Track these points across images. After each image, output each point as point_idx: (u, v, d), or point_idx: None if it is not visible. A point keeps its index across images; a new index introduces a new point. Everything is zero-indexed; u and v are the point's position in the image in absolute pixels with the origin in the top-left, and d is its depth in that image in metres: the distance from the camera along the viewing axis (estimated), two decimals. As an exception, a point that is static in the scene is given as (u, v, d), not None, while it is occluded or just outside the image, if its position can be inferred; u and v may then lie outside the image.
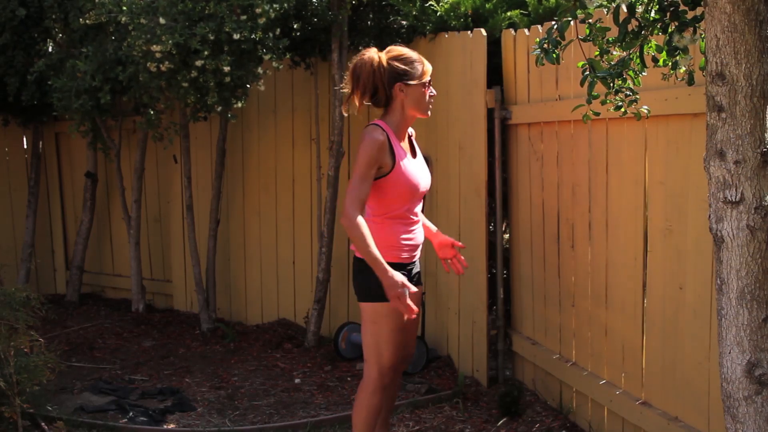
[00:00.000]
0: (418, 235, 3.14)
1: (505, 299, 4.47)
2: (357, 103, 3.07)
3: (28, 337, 3.44)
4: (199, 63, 4.32)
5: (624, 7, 2.13)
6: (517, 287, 4.37)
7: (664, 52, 2.23)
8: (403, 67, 3.04)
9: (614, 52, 2.31)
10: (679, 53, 2.18)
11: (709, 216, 1.94)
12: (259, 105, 5.59)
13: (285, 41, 4.46)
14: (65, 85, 5.00)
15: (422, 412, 4.09)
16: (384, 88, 3.03)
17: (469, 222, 4.40)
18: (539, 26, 3.97)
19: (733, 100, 1.85)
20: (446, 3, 4.64)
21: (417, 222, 3.15)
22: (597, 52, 2.32)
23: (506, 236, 4.57)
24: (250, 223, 5.72)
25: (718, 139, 1.89)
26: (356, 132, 5.18)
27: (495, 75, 4.28)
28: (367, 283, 3.04)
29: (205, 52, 4.28)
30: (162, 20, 4.26)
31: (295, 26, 4.69)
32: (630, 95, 2.37)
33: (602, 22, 2.31)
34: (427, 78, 3.08)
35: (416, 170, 3.10)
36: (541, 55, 2.30)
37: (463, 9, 4.58)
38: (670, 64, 2.23)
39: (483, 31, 4.25)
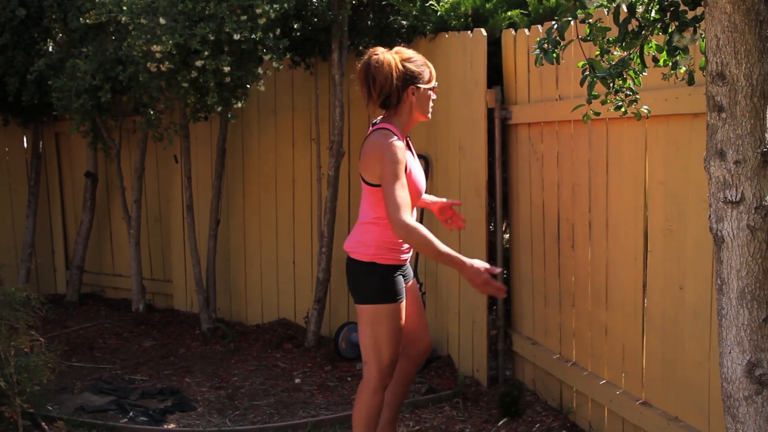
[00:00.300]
0: None
1: (505, 299, 4.47)
2: (371, 105, 3.07)
3: (28, 337, 3.44)
4: (199, 63, 4.32)
5: (624, 7, 2.13)
6: (517, 287, 4.37)
7: (664, 52, 2.23)
8: (416, 70, 3.05)
9: (614, 52, 2.31)
10: (679, 53, 2.18)
11: (710, 216, 1.94)
12: (259, 105, 5.59)
13: (285, 41, 4.46)
14: (65, 85, 5.00)
15: (422, 412, 4.09)
16: (397, 91, 3.01)
17: (469, 222, 4.39)
18: (539, 26, 3.97)
19: (733, 100, 1.85)
20: (446, 3, 4.64)
21: None
22: (597, 52, 2.32)
23: (506, 236, 4.57)
24: (250, 223, 5.72)
25: (719, 139, 1.89)
26: (356, 132, 5.18)
27: (495, 75, 4.28)
28: (369, 285, 3.06)
29: (205, 53, 4.28)
30: (162, 20, 4.26)
31: (295, 26, 4.69)
32: (630, 95, 2.37)
33: (602, 22, 2.31)
34: (434, 82, 3.11)
35: (420, 174, 3.14)
36: (541, 55, 2.30)
37: (463, 9, 4.58)
38: (670, 64, 2.23)
39: (483, 31, 4.25)
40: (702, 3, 1.95)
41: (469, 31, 4.38)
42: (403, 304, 3.12)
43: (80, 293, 6.44)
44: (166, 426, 4.02)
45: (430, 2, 4.69)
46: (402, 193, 2.92)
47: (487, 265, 2.97)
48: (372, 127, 3.13)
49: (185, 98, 4.62)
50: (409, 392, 4.25)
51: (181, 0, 4.30)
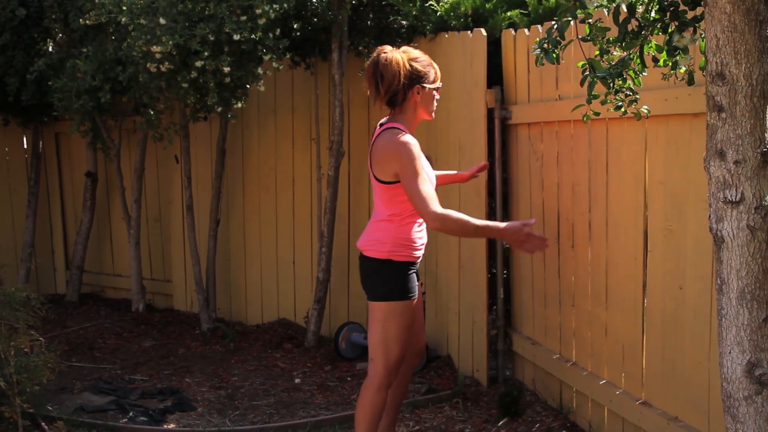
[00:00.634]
0: (425, 233, 3.23)
1: (505, 299, 4.47)
2: (374, 102, 3.13)
3: (28, 336, 3.44)
4: (199, 63, 4.32)
5: (624, 7, 2.13)
6: (517, 287, 4.37)
7: (664, 52, 2.24)
8: (423, 70, 3.10)
9: (614, 52, 2.31)
10: (679, 53, 2.18)
11: (709, 216, 1.94)
12: (259, 105, 5.59)
13: (285, 41, 4.46)
14: (65, 85, 5.00)
15: (422, 412, 4.09)
16: (403, 89, 3.07)
17: (469, 222, 4.39)
18: (539, 26, 3.97)
19: (733, 100, 1.85)
20: (446, 3, 4.64)
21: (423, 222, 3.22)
22: (597, 52, 2.32)
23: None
24: (250, 223, 5.72)
25: (718, 139, 1.89)
26: (356, 132, 5.18)
27: (495, 75, 4.28)
28: (384, 282, 3.10)
29: (205, 53, 4.28)
30: (162, 21, 4.26)
31: (295, 26, 4.69)
32: (630, 95, 2.37)
33: (602, 22, 2.31)
34: (439, 82, 3.16)
35: (430, 169, 3.19)
36: (541, 55, 2.30)
37: (463, 9, 4.58)
38: (670, 64, 2.23)
39: (483, 31, 4.25)
40: (702, 3, 1.95)
41: (469, 31, 4.38)
42: (415, 301, 3.17)
43: (80, 293, 6.44)
44: (165, 426, 4.02)
45: (430, 2, 4.69)
46: (426, 187, 2.99)
47: (521, 221, 3.07)
48: (379, 127, 3.16)
49: (185, 98, 4.62)
50: (409, 392, 4.25)
51: (181, 0, 4.30)
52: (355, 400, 4.25)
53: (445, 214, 2.96)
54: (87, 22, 4.78)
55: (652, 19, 2.18)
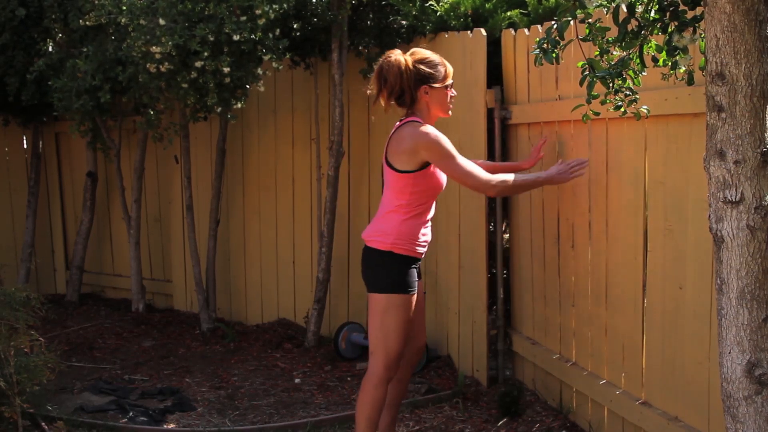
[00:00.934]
0: (430, 233, 3.29)
1: (505, 299, 4.47)
2: (383, 104, 3.21)
3: (28, 336, 3.44)
4: (198, 64, 4.32)
5: (624, 7, 2.13)
6: (517, 287, 4.37)
7: (664, 52, 2.24)
8: (428, 70, 3.17)
9: (614, 52, 2.31)
10: (678, 53, 2.18)
11: (709, 216, 1.94)
12: (259, 105, 5.59)
13: (285, 41, 4.46)
14: (65, 85, 5.00)
15: (422, 412, 4.09)
16: (410, 90, 3.16)
17: (469, 222, 4.40)
18: (539, 26, 3.97)
19: (733, 100, 1.85)
20: (446, 3, 4.63)
21: (430, 220, 3.29)
22: (597, 52, 2.32)
23: (506, 236, 4.58)
24: (250, 223, 5.72)
25: (718, 138, 1.89)
26: (356, 132, 5.18)
27: (495, 75, 4.28)
28: (385, 274, 3.15)
29: (205, 53, 4.28)
30: (162, 21, 4.26)
31: (294, 26, 4.69)
32: (630, 95, 2.37)
33: (602, 22, 2.31)
34: (450, 80, 3.23)
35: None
36: (541, 55, 2.30)
37: (462, 9, 4.58)
38: (669, 64, 2.23)
39: (483, 31, 4.25)
40: (701, 3, 1.95)
41: (469, 31, 4.38)
42: (415, 297, 3.21)
43: (80, 293, 6.44)
44: (165, 426, 4.02)
45: (430, 2, 4.69)
46: (466, 163, 3.16)
47: (559, 164, 3.32)
48: (399, 122, 3.24)
49: (185, 99, 4.62)
50: (409, 392, 4.25)
51: (181, 1, 4.30)
52: (356, 400, 4.26)
53: (498, 180, 3.19)
54: (87, 23, 4.78)
55: (651, 19, 2.18)
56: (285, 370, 4.81)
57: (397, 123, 3.25)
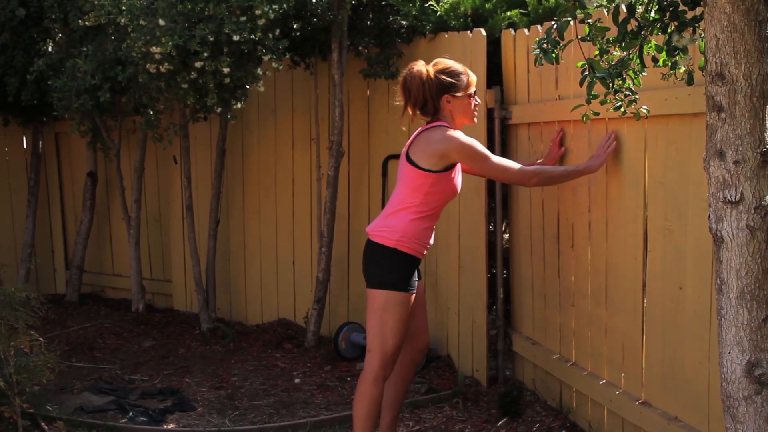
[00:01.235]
0: (433, 237, 3.35)
1: (505, 299, 4.47)
2: (411, 113, 3.30)
3: (28, 336, 3.44)
4: (198, 64, 4.32)
5: (623, 7, 2.13)
6: (517, 287, 4.37)
7: (664, 52, 2.23)
8: (449, 79, 3.24)
9: (614, 52, 2.31)
10: (678, 53, 2.18)
11: (709, 216, 1.94)
12: (259, 105, 5.59)
13: (285, 42, 4.46)
14: (65, 85, 5.00)
15: (422, 412, 4.09)
16: (432, 99, 3.24)
17: (469, 222, 4.40)
18: (539, 26, 3.97)
19: (733, 100, 1.85)
20: (446, 3, 4.63)
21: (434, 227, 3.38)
22: (596, 52, 2.32)
23: (506, 236, 4.58)
24: (249, 223, 5.72)
25: (718, 139, 1.89)
26: (356, 132, 5.18)
27: (495, 75, 4.28)
28: (387, 271, 3.18)
29: (205, 54, 4.28)
30: (161, 22, 4.26)
31: (294, 26, 4.69)
32: (629, 95, 2.37)
33: (602, 22, 2.31)
34: (472, 89, 3.29)
35: (460, 175, 3.34)
36: (541, 55, 2.30)
37: (462, 9, 4.58)
38: (669, 64, 2.23)
39: (483, 31, 4.25)
40: (701, 3, 1.95)
41: (469, 31, 4.38)
42: (413, 296, 3.23)
43: (80, 293, 6.44)
44: (165, 426, 4.02)
45: (430, 2, 4.69)
46: (501, 159, 3.32)
47: (597, 154, 3.33)
48: (425, 125, 3.32)
49: (185, 99, 4.62)
50: (409, 392, 4.25)
51: (180, 1, 4.30)
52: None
53: (534, 170, 3.33)
54: (86, 23, 4.78)
55: (651, 19, 2.18)
56: (285, 370, 4.81)
57: (424, 125, 3.31)
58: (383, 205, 4.97)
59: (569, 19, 2.19)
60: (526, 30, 4.09)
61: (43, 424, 3.74)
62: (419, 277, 3.35)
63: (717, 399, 2.33)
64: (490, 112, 4.26)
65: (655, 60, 2.28)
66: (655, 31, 2.20)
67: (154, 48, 4.27)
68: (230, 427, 3.98)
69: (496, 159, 3.28)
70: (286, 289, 5.59)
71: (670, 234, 3.03)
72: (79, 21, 4.90)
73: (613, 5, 2.14)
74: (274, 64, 4.63)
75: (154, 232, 6.34)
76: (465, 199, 4.40)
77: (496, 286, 4.43)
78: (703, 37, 1.95)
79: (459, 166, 3.28)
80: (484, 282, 4.34)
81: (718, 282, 1.94)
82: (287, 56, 4.84)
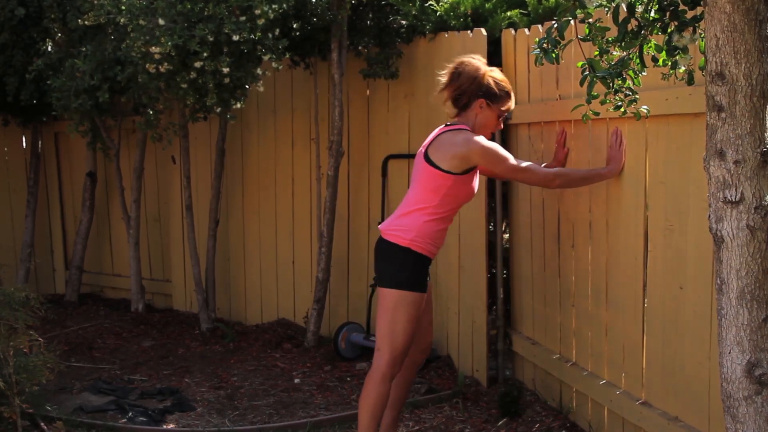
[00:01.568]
0: (444, 238, 3.37)
1: (505, 299, 4.47)
2: (444, 98, 3.35)
3: (27, 336, 3.44)
4: (198, 64, 4.32)
5: (623, 7, 2.13)
6: (517, 287, 4.37)
7: (664, 52, 2.23)
8: (496, 89, 3.32)
9: (614, 52, 2.31)
10: (678, 53, 2.18)
11: (709, 216, 1.94)
12: (259, 105, 5.58)
13: (284, 41, 4.45)
14: (64, 85, 5.00)
15: (422, 412, 4.08)
16: (470, 95, 3.29)
17: (469, 222, 4.39)
18: (539, 26, 3.97)
19: (733, 100, 1.85)
20: (446, 3, 4.63)
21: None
22: (597, 52, 2.32)
23: (506, 236, 4.57)
24: (249, 223, 5.72)
25: (718, 138, 1.88)
26: (356, 132, 5.18)
27: (495, 75, 4.27)
28: (400, 270, 3.19)
29: (204, 54, 4.27)
30: (161, 21, 4.26)
31: (294, 26, 4.69)
32: (629, 95, 2.37)
33: (602, 21, 2.31)
34: (504, 110, 3.36)
35: (477, 178, 3.36)
36: (541, 55, 2.30)
37: (462, 9, 4.57)
38: (669, 63, 2.23)
39: (483, 31, 4.25)
40: (701, 2, 1.95)
41: (469, 31, 4.38)
42: (424, 296, 3.26)
43: (79, 293, 6.43)
44: (165, 426, 4.02)
45: (430, 2, 4.69)
46: (522, 162, 3.34)
47: (612, 157, 3.31)
48: (445, 126, 3.33)
49: (184, 99, 4.62)
50: (409, 392, 4.24)
51: (180, 1, 4.30)
52: (355, 400, 4.26)
53: (558, 172, 3.38)
54: (86, 23, 4.77)
55: (651, 18, 2.18)
56: (285, 370, 4.81)
57: (444, 127, 3.33)
58: (383, 205, 4.97)
59: (569, 18, 2.18)
60: (526, 30, 4.09)
61: (42, 424, 3.74)
62: (428, 278, 3.36)
63: (717, 399, 2.33)
64: (490, 112, 4.25)
65: (655, 60, 2.28)
66: (655, 31, 2.20)
67: (153, 48, 4.26)
68: (230, 427, 3.98)
69: (518, 162, 3.30)
70: (285, 289, 5.59)
71: (670, 234, 3.03)
72: (79, 21, 4.89)
73: (613, 5, 2.14)
74: (273, 64, 4.63)
75: (154, 232, 6.34)
76: (465, 199, 4.39)
77: (496, 286, 4.43)
78: (703, 37, 1.95)
79: (477, 169, 3.32)
80: (484, 282, 4.34)
81: (719, 282, 1.94)
82: (287, 56, 4.84)
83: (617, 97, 2.38)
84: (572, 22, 2.19)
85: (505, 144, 4.33)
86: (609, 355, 3.51)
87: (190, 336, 5.49)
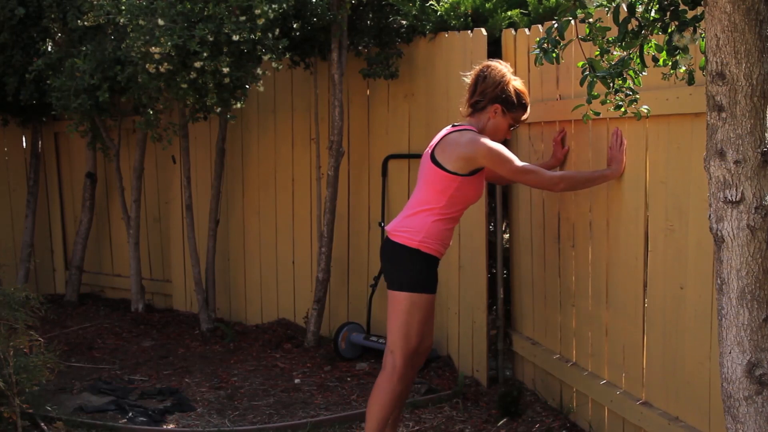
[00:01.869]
0: (451, 238, 3.38)
1: (505, 299, 4.47)
2: (467, 98, 3.37)
3: (27, 337, 3.44)
4: (198, 64, 4.31)
5: (624, 7, 2.13)
6: (517, 287, 4.37)
7: (664, 52, 2.23)
8: (515, 98, 3.35)
9: (614, 52, 2.31)
10: (679, 53, 2.17)
11: (710, 216, 1.94)
12: (259, 105, 5.58)
13: (284, 41, 4.45)
14: (64, 85, 5.00)
15: (422, 412, 4.08)
16: (488, 100, 3.32)
17: (469, 222, 4.39)
18: (539, 26, 3.97)
19: (733, 100, 1.85)
20: (446, 2, 4.63)
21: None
22: (597, 52, 2.32)
23: (506, 236, 4.57)
24: (249, 223, 5.72)
25: (718, 138, 1.88)
26: (356, 132, 5.18)
27: (495, 75, 4.27)
28: (411, 273, 3.20)
29: (204, 54, 4.27)
30: (161, 21, 4.26)
31: (294, 26, 4.69)
32: (630, 95, 2.37)
33: (602, 21, 2.31)
34: (517, 120, 3.38)
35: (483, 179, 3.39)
36: (541, 55, 2.30)
37: (462, 8, 4.57)
38: (670, 63, 2.23)
39: (483, 31, 4.25)
40: (702, 2, 1.95)
41: (469, 31, 4.38)
42: (435, 297, 3.30)
43: (79, 293, 6.43)
44: (165, 426, 4.02)
45: (430, 2, 4.68)
46: (527, 164, 3.33)
47: (614, 157, 3.30)
48: (452, 127, 3.34)
49: (184, 99, 4.62)
50: (410, 392, 4.24)
51: (180, 1, 4.30)
52: (355, 401, 4.27)
53: (562, 175, 3.38)
54: (85, 23, 4.77)
55: (651, 18, 2.18)
56: (285, 370, 4.81)
57: (450, 127, 3.33)
58: (383, 205, 4.97)
59: (570, 18, 2.18)
60: (526, 30, 4.09)
61: (42, 424, 3.74)
62: None
63: (718, 399, 2.33)
64: (490, 112, 4.25)
65: (655, 60, 2.28)
66: (656, 31, 2.20)
67: (153, 48, 4.26)
68: (230, 428, 3.98)
69: (523, 164, 3.29)
70: (285, 289, 5.59)
71: (671, 234, 3.03)
72: (78, 21, 4.89)
73: (614, 5, 2.14)
74: (273, 64, 4.63)
75: (154, 232, 6.34)
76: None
77: (496, 286, 4.43)
78: (704, 37, 1.95)
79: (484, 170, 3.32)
80: (484, 282, 4.34)
81: (719, 282, 1.94)
82: (287, 56, 4.84)
83: (617, 97, 2.38)
84: (572, 22, 2.19)
85: (505, 144, 4.32)
86: (609, 355, 3.51)
87: (190, 336, 5.49)
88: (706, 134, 1.93)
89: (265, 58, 4.52)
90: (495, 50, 4.28)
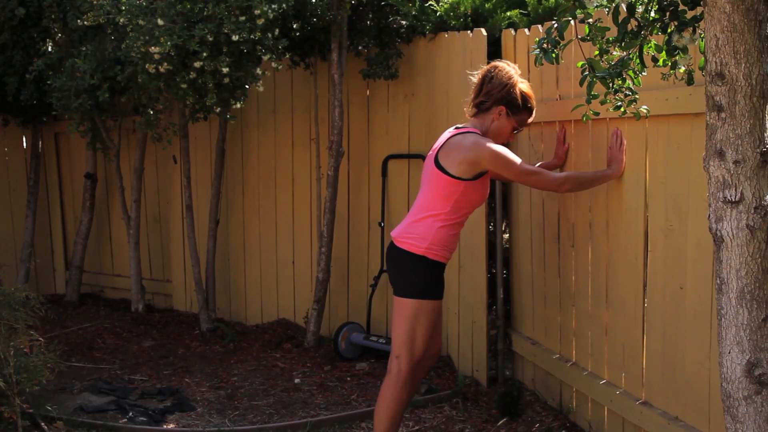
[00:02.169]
0: (457, 243, 3.37)
1: (505, 299, 4.47)
2: (473, 98, 3.34)
3: (27, 336, 3.44)
4: (197, 64, 4.32)
5: (623, 7, 2.13)
6: (517, 287, 4.37)
7: (664, 52, 2.23)
8: (520, 101, 3.32)
9: (614, 52, 2.31)
10: (678, 53, 2.18)
11: (709, 216, 1.94)
12: (259, 105, 5.58)
13: (284, 41, 4.45)
14: (64, 85, 5.00)
15: (422, 412, 4.08)
16: (493, 101, 3.29)
17: (469, 222, 4.36)
18: (539, 26, 3.97)
19: (733, 100, 1.85)
20: (446, 3, 4.63)
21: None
22: (597, 52, 2.32)
23: (506, 236, 4.57)
24: (249, 223, 5.72)
25: (718, 138, 1.88)
26: (356, 132, 5.18)
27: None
28: (418, 279, 3.19)
29: (204, 54, 4.27)
30: (160, 21, 4.26)
31: (294, 26, 4.69)
32: (629, 95, 2.37)
33: (602, 22, 2.31)
34: (522, 123, 3.37)
35: (488, 181, 3.37)
36: (541, 55, 2.30)
37: (462, 9, 4.57)
38: (669, 63, 2.23)
39: (483, 31, 4.25)
40: (701, 3, 1.95)
41: (469, 31, 4.38)
42: (441, 303, 3.29)
43: (79, 293, 6.43)
44: (165, 426, 4.02)
45: (430, 2, 4.69)
46: (531, 166, 3.33)
47: (614, 157, 3.29)
48: (455, 129, 3.31)
49: (184, 99, 4.62)
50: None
51: (180, 1, 4.30)
52: (355, 400, 4.27)
53: (566, 176, 3.34)
54: (85, 23, 4.77)
55: (651, 18, 2.18)
56: (285, 370, 4.81)
57: (453, 130, 3.31)
58: (383, 205, 4.98)
59: (569, 19, 2.18)
60: (526, 30, 4.09)
61: (42, 424, 3.74)
62: None
63: (717, 399, 2.33)
64: (490, 112, 4.25)
65: (655, 60, 2.28)
66: (655, 31, 2.20)
67: (153, 48, 4.27)
68: (230, 427, 3.98)
69: (527, 166, 3.29)
70: (285, 289, 5.59)
71: (670, 234, 3.03)
72: (78, 21, 4.89)
73: (613, 5, 2.14)
74: (273, 64, 4.63)
75: (154, 232, 6.34)
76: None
77: (496, 286, 4.43)
78: (703, 37, 1.95)
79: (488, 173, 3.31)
80: (484, 282, 4.34)
81: (718, 282, 1.94)
82: (287, 56, 4.84)
83: (617, 97, 2.38)
84: (572, 22, 2.19)
85: (505, 144, 4.33)
86: (609, 355, 3.51)
87: (190, 336, 5.49)
88: (705, 134, 1.93)
89: (265, 58, 4.52)
90: (495, 50, 4.28)
